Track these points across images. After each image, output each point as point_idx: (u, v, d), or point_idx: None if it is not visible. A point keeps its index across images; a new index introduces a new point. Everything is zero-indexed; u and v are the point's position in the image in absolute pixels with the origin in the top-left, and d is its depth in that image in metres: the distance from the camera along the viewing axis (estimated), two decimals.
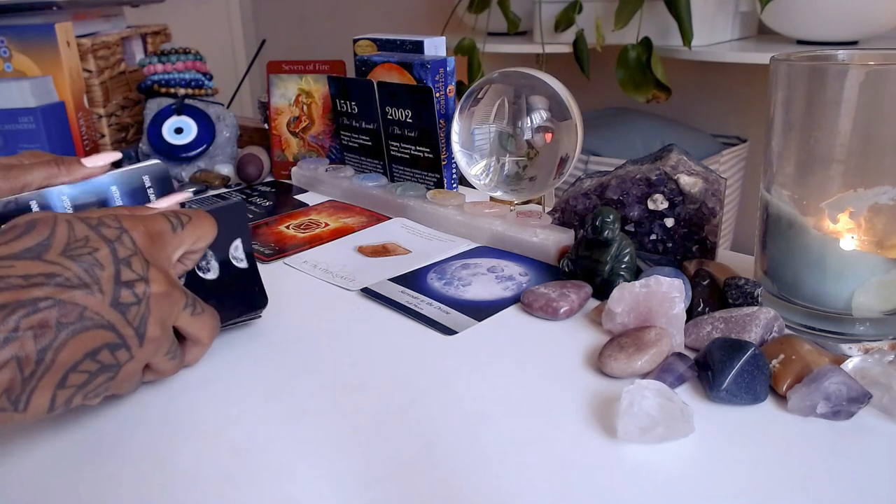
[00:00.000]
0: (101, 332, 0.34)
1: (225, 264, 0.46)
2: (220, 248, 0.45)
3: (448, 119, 0.71)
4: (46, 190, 0.44)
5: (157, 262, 0.38)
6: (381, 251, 0.63)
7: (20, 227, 0.35)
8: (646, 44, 1.31)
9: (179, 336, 0.42)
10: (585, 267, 0.53)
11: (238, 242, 0.46)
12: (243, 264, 0.47)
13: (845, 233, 0.44)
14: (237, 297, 0.47)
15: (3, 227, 0.35)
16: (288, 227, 0.69)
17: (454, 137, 0.66)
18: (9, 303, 0.31)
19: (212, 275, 0.45)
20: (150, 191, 0.49)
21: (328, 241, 0.66)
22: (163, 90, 0.86)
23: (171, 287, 0.38)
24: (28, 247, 0.34)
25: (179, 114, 0.85)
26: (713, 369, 0.40)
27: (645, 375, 0.41)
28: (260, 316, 0.50)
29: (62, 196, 0.45)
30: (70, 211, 0.45)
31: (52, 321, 0.32)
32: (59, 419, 0.40)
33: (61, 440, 0.38)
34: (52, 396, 0.34)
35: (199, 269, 0.44)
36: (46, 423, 0.39)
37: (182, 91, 0.87)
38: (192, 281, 0.44)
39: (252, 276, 0.48)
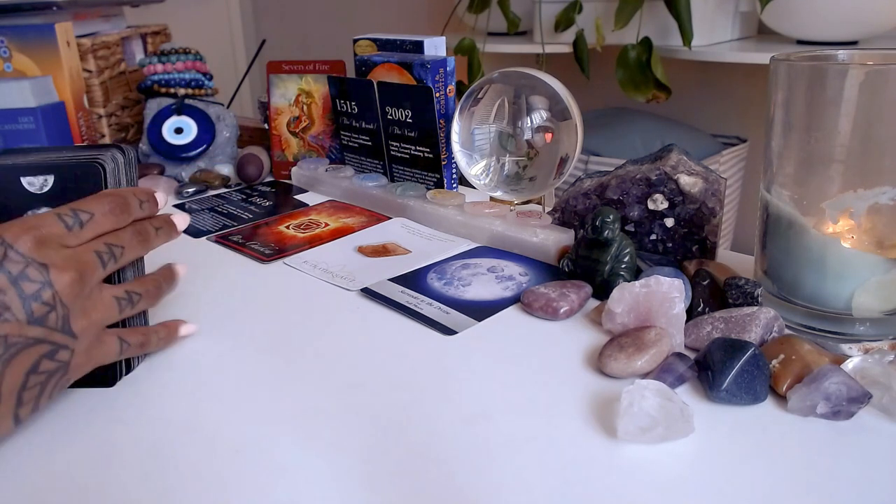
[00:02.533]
0: (31, 349, 0.35)
1: None
2: None
3: (448, 119, 0.70)
4: None
5: (54, 260, 0.37)
6: (381, 251, 0.63)
7: None
8: (646, 44, 1.31)
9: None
10: (585, 267, 0.53)
11: None
12: None
13: (845, 233, 0.44)
14: None
15: None
16: (288, 227, 0.69)
17: (454, 137, 0.66)
18: None
19: None
20: None
21: (328, 241, 0.66)
22: (163, 90, 0.87)
23: (78, 275, 0.38)
24: None
25: (179, 114, 0.86)
26: (713, 369, 0.40)
27: (645, 375, 0.41)
28: None
29: None
30: None
31: None
32: (58, 423, 0.40)
33: (62, 443, 0.38)
34: (15, 416, 0.36)
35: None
36: (47, 427, 0.40)
37: (182, 91, 0.87)
38: None
39: None
